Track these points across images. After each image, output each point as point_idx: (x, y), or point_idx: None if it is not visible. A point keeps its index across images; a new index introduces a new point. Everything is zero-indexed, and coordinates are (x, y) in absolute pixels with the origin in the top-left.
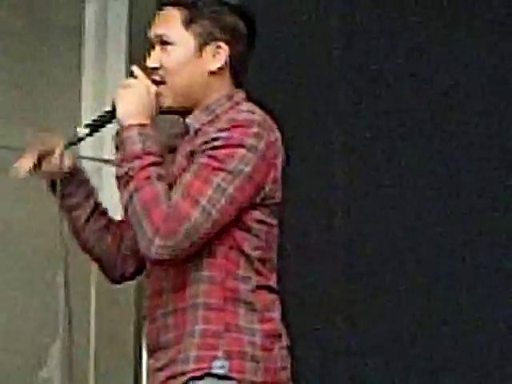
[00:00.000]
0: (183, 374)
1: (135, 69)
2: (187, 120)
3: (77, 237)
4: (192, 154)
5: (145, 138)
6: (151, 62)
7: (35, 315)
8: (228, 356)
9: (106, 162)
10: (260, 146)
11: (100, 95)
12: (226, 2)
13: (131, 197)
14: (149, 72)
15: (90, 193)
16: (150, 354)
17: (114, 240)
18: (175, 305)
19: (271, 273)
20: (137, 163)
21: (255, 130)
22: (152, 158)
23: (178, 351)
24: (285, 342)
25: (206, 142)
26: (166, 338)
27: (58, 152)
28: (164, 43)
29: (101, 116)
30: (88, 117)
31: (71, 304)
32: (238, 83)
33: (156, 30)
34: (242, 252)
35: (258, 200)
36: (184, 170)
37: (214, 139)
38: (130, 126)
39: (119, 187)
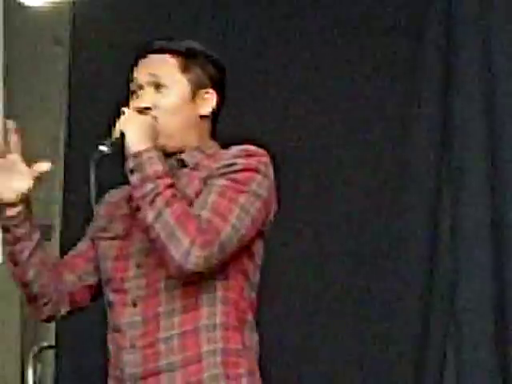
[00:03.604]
0: None
1: (126, 109)
2: (183, 156)
3: (17, 269)
4: (207, 178)
5: (162, 160)
6: (144, 102)
7: None
8: (249, 373)
9: None
10: (270, 175)
11: None
12: (212, 55)
13: (160, 213)
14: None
15: (36, 226)
16: (131, 381)
17: (51, 278)
18: (183, 327)
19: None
20: (161, 182)
21: (265, 159)
22: (171, 180)
23: (199, 371)
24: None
25: (223, 167)
26: (168, 361)
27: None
28: (159, 86)
29: (114, 140)
30: None
31: None
32: (213, 132)
33: (150, 73)
34: (247, 276)
35: (264, 226)
36: (199, 193)
37: (232, 164)
38: (149, 148)
39: (139, 207)
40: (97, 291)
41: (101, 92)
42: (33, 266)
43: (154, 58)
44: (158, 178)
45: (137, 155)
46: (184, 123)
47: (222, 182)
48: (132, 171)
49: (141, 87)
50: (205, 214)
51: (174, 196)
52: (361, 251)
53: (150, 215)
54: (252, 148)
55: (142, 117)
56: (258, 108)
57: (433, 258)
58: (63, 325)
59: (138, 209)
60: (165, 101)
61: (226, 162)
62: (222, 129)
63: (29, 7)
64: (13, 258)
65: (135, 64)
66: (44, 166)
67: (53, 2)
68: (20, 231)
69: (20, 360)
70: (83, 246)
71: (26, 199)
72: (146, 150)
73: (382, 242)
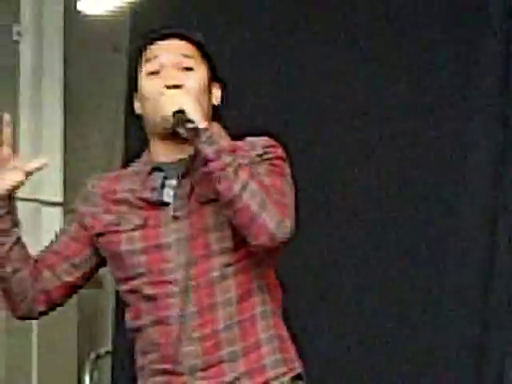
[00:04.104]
0: (277, 377)
1: (164, 89)
2: None
3: None
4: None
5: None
6: (176, 81)
7: None
8: (296, 358)
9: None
10: None
11: (36, 133)
12: (211, 52)
13: (247, 183)
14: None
15: (17, 222)
16: (190, 373)
17: (30, 275)
18: (241, 315)
19: None
20: (238, 155)
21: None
22: None
23: (260, 358)
24: None
25: (261, 155)
26: (229, 350)
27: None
28: (185, 68)
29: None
30: (25, 153)
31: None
32: None
33: (182, 54)
34: (275, 265)
35: None
36: None
37: (266, 153)
38: (213, 123)
39: (220, 177)
40: (73, 289)
41: None
42: (11, 261)
43: (177, 42)
44: (233, 151)
45: (206, 129)
46: (204, 108)
47: (265, 167)
48: (204, 142)
49: (163, 67)
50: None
51: (252, 168)
52: (416, 253)
53: (235, 186)
54: (270, 140)
55: (189, 93)
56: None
57: (491, 261)
58: (120, 331)
59: (218, 181)
60: (191, 82)
61: (261, 151)
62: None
63: (88, 15)
64: None
65: (151, 44)
66: (36, 164)
67: (112, 11)
68: (0, 226)
69: (77, 367)
70: (60, 244)
71: (10, 195)
72: (212, 125)
73: (438, 245)
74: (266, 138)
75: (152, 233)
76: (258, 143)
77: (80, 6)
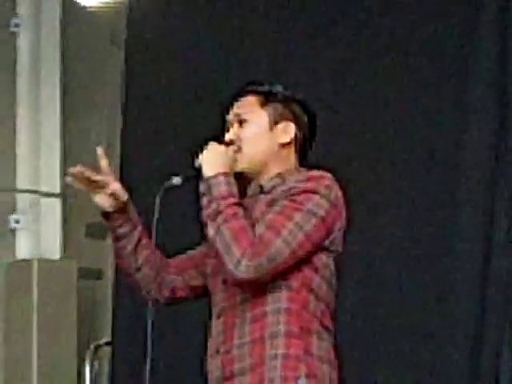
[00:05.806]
0: None
1: (211, 143)
2: (261, 182)
3: (120, 262)
4: (273, 201)
5: (229, 182)
6: (229, 136)
7: None
8: (307, 376)
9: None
10: (331, 196)
11: (35, 124)
12: (294, 96)
13: (219, 227)
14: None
15: (136, 226)
16: (219, 382)
17: (151, 270)
18: (252, 335)
19: (332, 319)
20: (224, 202)
21: (327, 182)
22: (236, 200)
23: (262, 373)
24: (336, 370)
25: (286, 190)
26: (239, 366)
27: (114, 187)
28: (241, 121)
29: (191, 171)
30: (22, 151)
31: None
32: (300, 162)
33: (235, 111)
34: (311, 290)
35: (326, 243)
36: (264, 213)
37: (293, 187)
38: (218, 173)
39: (206, 225)
40: (200, 292)
41: (155, 91)
42: (137, 259)
43: (240, 100)
44: (222, 198)
45: (207, 180)
46: (264, 150)
47: (282, 202)
48: (202, 194)
49: (231, 124)
50: (260, 229)
51: (234, 214)
52: (413, 250)
53: (211, 230)
54: (315, 173)
55: (217, 146)
56: None
57: (488, 256)
58: (119, 322)
59: (205, 225)
60: (245, 132)
61: (289, 186)
62: None
63: (85, 7)
64: (117, 253)
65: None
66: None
67: (108, 3)
68: (121, 231)
69: (77, 357)
70: (196, 251)
71: (123, 208)
72: (215, 176)
73: (435, 242)
74: (306, 173)
75: (216, 260)
76: (294, 179)
77: None
